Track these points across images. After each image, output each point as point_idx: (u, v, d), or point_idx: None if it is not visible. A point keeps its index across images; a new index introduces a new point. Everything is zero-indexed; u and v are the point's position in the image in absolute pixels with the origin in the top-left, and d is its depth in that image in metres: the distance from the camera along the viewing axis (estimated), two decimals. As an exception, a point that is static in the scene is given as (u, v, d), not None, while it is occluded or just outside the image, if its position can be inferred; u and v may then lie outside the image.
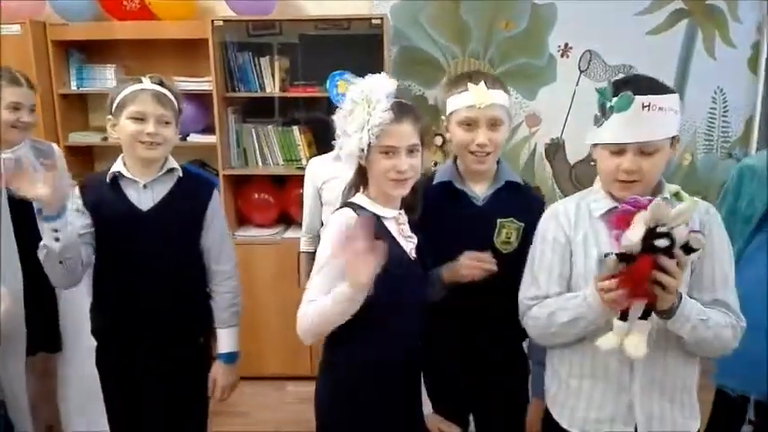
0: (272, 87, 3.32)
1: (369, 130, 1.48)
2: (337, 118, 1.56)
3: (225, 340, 1.96)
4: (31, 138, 2.39)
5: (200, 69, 3.30)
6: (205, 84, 3.26)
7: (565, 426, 1.55)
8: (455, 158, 1.83)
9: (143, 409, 1.89)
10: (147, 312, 1.84)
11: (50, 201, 1.64)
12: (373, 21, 3.16)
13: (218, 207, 1.96)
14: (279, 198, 3.48)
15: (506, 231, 1.74)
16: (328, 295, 1.44)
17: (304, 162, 3.28)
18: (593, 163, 1.52)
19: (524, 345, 1.87)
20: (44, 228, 1.70)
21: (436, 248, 1.67)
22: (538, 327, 1.54)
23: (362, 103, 1.49)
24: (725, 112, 3.50)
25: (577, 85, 3.45)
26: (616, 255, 1.29)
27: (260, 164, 3.45)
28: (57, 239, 1.68)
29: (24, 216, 2.21)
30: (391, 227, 1.58)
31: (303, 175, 2.65)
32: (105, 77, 3.35)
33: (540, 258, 1.56)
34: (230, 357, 1.97)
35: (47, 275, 1.77)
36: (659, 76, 1.46)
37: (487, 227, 1.74)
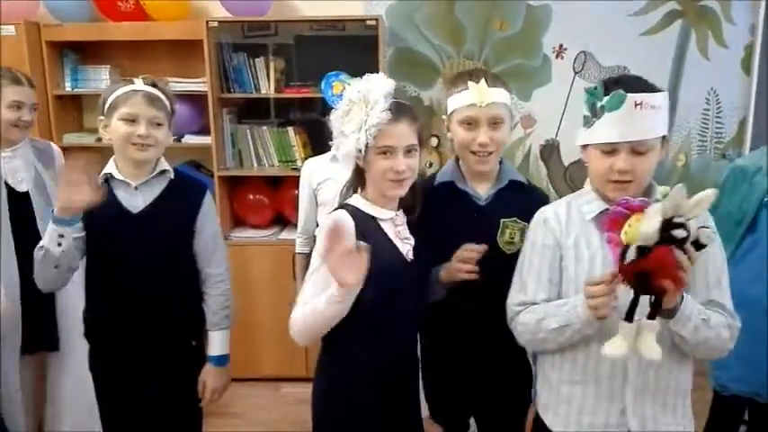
0: (268, 88, 3.31)
1: (366, 130, 1.47)
2: (334, 118, 1.55)
3: (216, 343, 1.96)
4: (30, 137, 2.40)
5: (195, 70, 3.29)
6: (200, 84, 3.26)
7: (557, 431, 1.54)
8: (457, 158, 1.82)
9: (137, 411, 1.88)
10: (139, 315, 1.83)
11: (70, 205, 1.65)
12: (368, 22, 3.16)
13: (210, 209, 1.95)
14: (274, 199, 3.47)
15: (510, 231, 1.72)
16: (320, 297, 1.44)
17: (299, 163, 3.29)
18: (587, 164, 1.50)
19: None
20: (51, 230, 1.70)
21: (439, 249, 1.66)
22: (527, 332, 1.52)
23: (360, 103, 1.49)
24: (718, 112, 3.52)
25: (572, 86, 3.46)
26: (637, 247, 1.24)
27: (255, 165, 3.44)
28: (59, 245, 1.69)
29: (22, 214, 2.21)
30: (388, 228, 1.57)
31: (298, 176, 2.65)
32: (100, 78, 3.34)
33: (529, 264, 1.54)
34: (221, 360, 1.96)
35: None
36: (653, 77, 1.45)
37: (491, 227, 1.71)
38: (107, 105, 1.78)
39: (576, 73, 3.47)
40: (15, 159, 2.27)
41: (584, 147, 1.48)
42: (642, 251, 1.24)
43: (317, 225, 2.52)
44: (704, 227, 1.28)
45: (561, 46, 3.47)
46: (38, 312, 2.25)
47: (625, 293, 1.29)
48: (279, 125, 3.47)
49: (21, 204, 2.23)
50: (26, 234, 2.16)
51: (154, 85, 1.81)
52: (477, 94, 1.66)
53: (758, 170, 2.19)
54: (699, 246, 1.25)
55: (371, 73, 1.55)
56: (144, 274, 1.82)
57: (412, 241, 1.61)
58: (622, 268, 1.26)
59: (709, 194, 1.24)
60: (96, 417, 1.96)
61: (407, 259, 1.59)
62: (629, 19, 3.40)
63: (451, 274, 1.64)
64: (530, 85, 3.49)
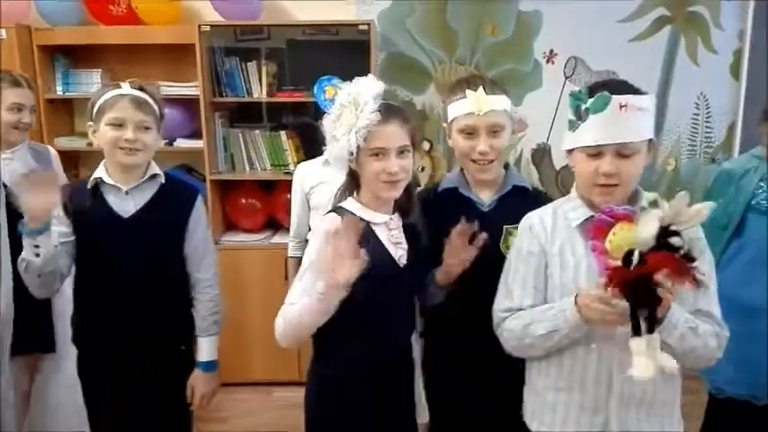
0: (260, 92, 3.31)
1: (356, 132, 1.47)
2: (326, 123, 1.55)
3: (205, 349, 1.95)
4: (28, 140, 2.41)
5: (187, 74, 3.29)
6: (192, 88, 3.25)
7: None
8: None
9: (125, 415, 1.88)
10: (129, 319, 1.82)
11: (38, 215, 1.63)
12: (360, 26, 3.17)
13: (201, 214, 1.94)
14: (266, 203, 3.47)
15: (513, 237, 1.69)
16: (304, 297, 1.43)
17: (291, 167, 3.29)
18: (574, 169, 1.49)
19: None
20: (25, 242, 1.68)
21: (442, 255, 1.65)
22: (513, 338, 1.51)
23: (350, 106, 1.49)
24: (708, 117, 3.55)
25: (563, 90, 3.47)
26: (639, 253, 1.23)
27: (247, 169, 3.44)
28: (37, 255, 1.68)
29: (18, 215, 2.21)
30: (380, 233, 1.57)
31: (291, 180, 2.65)
32: (91, 82, 3.33)
33: (515, 271, 1.53)
34: (209, 366, 1.96)
35: None
36: (643, 83, 1.44)
37: (494, 233, 1.67)
38: (95, 110, 1.78)
39: (566, 78, 3.50)
40: (14, 161, 2.28)
41: (570, 151, 1.46)
42: (627, 261, 1.24)
43: (310, 229, 2.52)
44: (695, 237, 1.28)
45: (552, 51, 3.49)
46: (33, 314, 2.24)
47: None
48: (271, 129, 3.47)
49: (14, 206, 2.24)
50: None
51: (141, 89, 1.80)
52: (476, 103, 1.65)
53: (745, 173, 2.20)
54: (689, 259, 1.24)
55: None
56: (134, 279, 1.81)
57: (405, 246, 1.61)
58: (618, 274, 1.25)
59: (708, 205, 1.25)
60: (85, 420, 1.95)
61: (400, 264, 1.59)
62: (618, 25, 3.43)
63: (445, 273, 1.63)
64: (521, 89, 3.50)
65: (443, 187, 1.80)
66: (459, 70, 3.51)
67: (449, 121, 1.75)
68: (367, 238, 1.51)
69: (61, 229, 1.78)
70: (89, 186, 1.81)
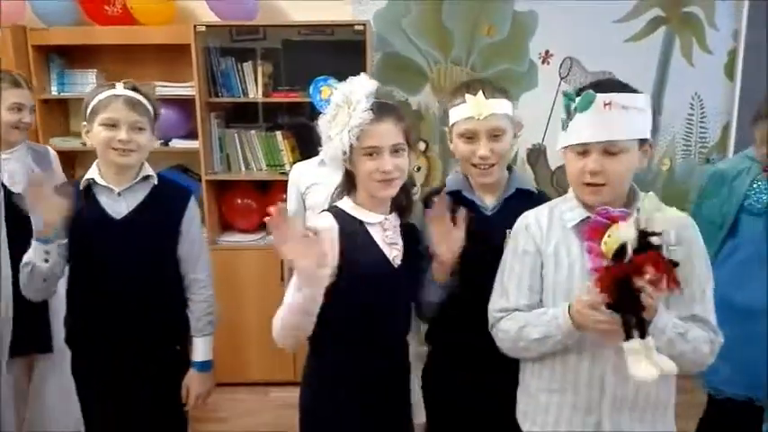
0: (256, 93, 3.31)
1: (349, 131, 1.47)
2: (321, 123, 1.55)
3: (200, 349, 1.95)
4: (28, 140, 2.42)
5: (182, 74, 3.28)
6: (188, 89, 3.25)
7: None
8: None
9: (120, 416, 1.87)
10: (122, 321, 1.82)
11: (51, 222, 1.64)
12: (356, 27, 3.17)
13: (194, 215, 1.94)
14: (262, 203, 3.46)
15: None
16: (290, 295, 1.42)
17: (287, 167, 3.29)
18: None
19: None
20: (35, 247, 1.69)
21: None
22: (508, 339, 1.50)
23: (344, 105, 1.49)
24: (702, 117, 3.56)
25: (558, 91, 3.48)
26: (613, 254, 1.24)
27: (243, 169, 3.44)
28: (46, 261, 1.69)
29: (17, 215, 2.21)
30: (375, 233, 1.57)
31: (286, 181, 2.65)
32: (87, 82, 3.31)
33: (510, 270, 1.53)
34: (204, 366, 1.96)
35: None
36: (638, 83, 1.44)
37: (497, 236, 1.65)
38: (89, 110, 1.77)
39: (561, 78, 3.50)
40: (12, 161, 2.28)
41: (564, 151, 1.46)
42: (617, 256, 1.24)
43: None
44: (677, 245, 1.28)
45: (547, 52, 3.50)
46: (30, 314, 2.25)
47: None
48: (267, 129, 3.47)
49: (16, 206, 2.23)
50: (20, 235, 2.15)
51: (135, 90, 1.79)
52: (475, 107, 1.64)
53: (737, 174, 2.21)
54: (672, 264, 1.25)
55: (360, 78, 1.54)
56: (127, 280, 1.81)
57: (401, 247, 1.60)
58: (605, 274, 1.26)
59: (679, 214, 1.26)
60: (80, 420, 1.95)
61: (394, 265, 1.58)
62: (614, 25, 3.43)
63: (439, 264, 1.60)
64: (517, 90, 3.50)
65: (447, 190, 1.80)
66: (454, 71, 3.51)
67: (450, 125, 1.74)
68: (358, 237, 1.51)
69: None
70: (81, 187, 1.81)
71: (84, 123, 1.80)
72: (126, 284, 1.81)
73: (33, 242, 1.70)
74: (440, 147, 3.59)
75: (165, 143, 3.29)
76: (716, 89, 3.51)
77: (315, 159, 2.52)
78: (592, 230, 1.30)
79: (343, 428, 1.59)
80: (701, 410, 2.40)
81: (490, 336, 1.58)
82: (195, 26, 3.14)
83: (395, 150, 1.51)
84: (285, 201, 2.68)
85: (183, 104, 3.29)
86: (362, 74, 1.55)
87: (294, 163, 2.78)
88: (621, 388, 1.41)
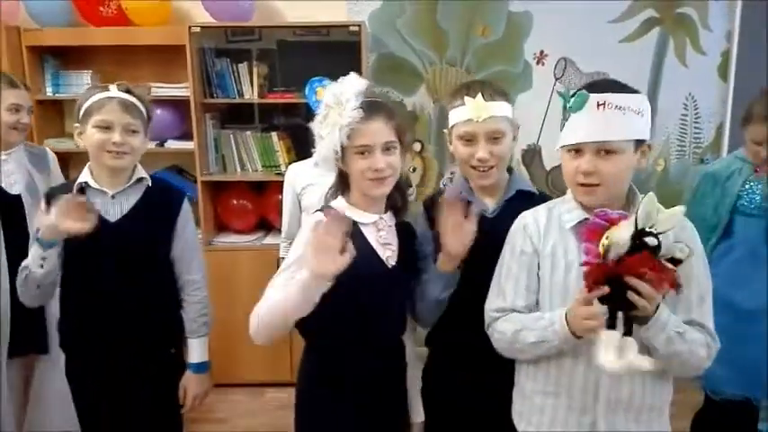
0: (251, 93, 3.31)
1: (340, 130, 1.47)
2: (314, 124, 1.55)
3: (195, 350, 1.94)
4: (26, 142, 2.42)
5: (177, 75, 3.28)
6: (183, 90, 3.24)
7: None
8: None
9: (115, 418, 1.87)
10: (117, 324, 1.81)
11: (62, 231, 1.63)
12: (351, 27, 3.17)
13: (188, 217, 1.93)
14: (258, 204, 3.47)
15: None
16: (280, 289, 1.41)
17: (283, 168, 3.29)
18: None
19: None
20: (35, 251, 1.68)
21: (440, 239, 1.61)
22: (504, 341, 1.50)
23: (335, 105, 1.49)
24: (696, 118, 3.57)
25: (553, 91, 3.49)
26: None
27: (238, 170, 3.44)
28: (41, 266, 1.68)
29: (14, 217, 2.20)
30: (369, 233, 1.57)
31: (282, 181, 2.65)
32: (81, 83, 3.31)
33: (507, 270, 1.52)
34: (201, 367, 1.95)
35: None
36: (633, 83, 1.43)
37: (498, 239, 1.61)
38: (82, 112, 1.77)
39: (556, 79, 3.51)
40: (9, 163, 2.28)
41: (561, 151, 1.46)
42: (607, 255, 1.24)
43: (301, 230, 2.52)
44: (678, 242, 1.26)
45: (542, 52, 3.50)
46: (28, 315, 2.24)
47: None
48: (262, 130, 3.47)
49: (12, 207, 2.23)
50: (16, 237, 2.15)
51: (129, 92, 1.79)
52: (474, 110, 1.63)
53: (730, 175, 2.22)
54: (675, 261, 1.24)
55: (355, 79, 1.54)
56: (121, 283, 1.80)
57: (395, 247, 1.60)
58: (594, 270, 1.26)
59: (680, 209, 1.24)
60: (76, 423, 1.94)
61: (388, 265, 1.58)
62: (608, 26, 3.45)
63: (446, 255, 1.58)
64: (511, 90, 3.43)
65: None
66: (449, 71, 3.52)
67: (449, 127, 1.73)
68: (354, 237, 1.51)
69: None
70: (74, 191, 1.79)
71: (77, 125, 1.79)
72: (120, 287, 1.80)
73: (34, 244, 1.69)
74: (435, 147, 3.60)
75: (161, 144, 3.29)
76: (709, 90, 3.52)
77: (310, 160, 2.52)
78: (590, 232, 1.29)
79: (337, 429, 1.59)
80: (696, 410, 2.41)
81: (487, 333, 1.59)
82: (190, 27, 3.14)
83: (386, 148, 1.51)
84: (281, 202, 2.69)
85: (178, 105, 3.29)
86: (352, 73, 1.54)
87: (290, 164, 2.78)
88: (616, 392, 1.41)
